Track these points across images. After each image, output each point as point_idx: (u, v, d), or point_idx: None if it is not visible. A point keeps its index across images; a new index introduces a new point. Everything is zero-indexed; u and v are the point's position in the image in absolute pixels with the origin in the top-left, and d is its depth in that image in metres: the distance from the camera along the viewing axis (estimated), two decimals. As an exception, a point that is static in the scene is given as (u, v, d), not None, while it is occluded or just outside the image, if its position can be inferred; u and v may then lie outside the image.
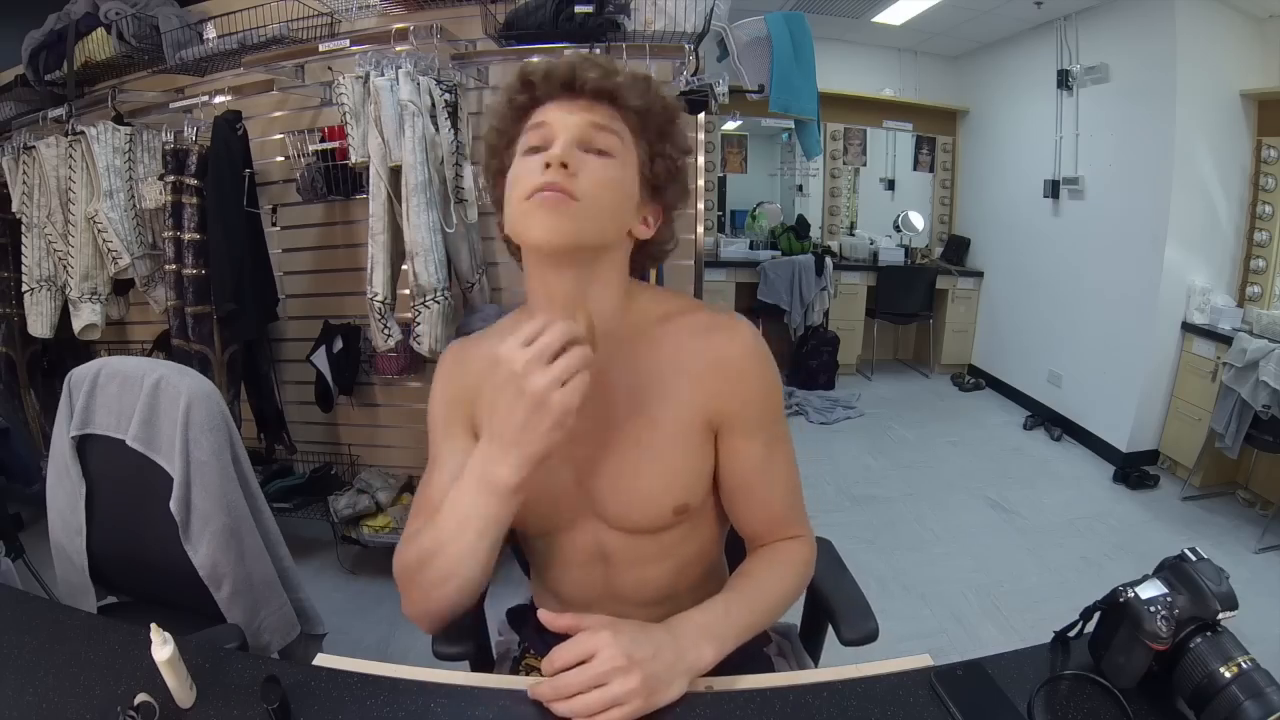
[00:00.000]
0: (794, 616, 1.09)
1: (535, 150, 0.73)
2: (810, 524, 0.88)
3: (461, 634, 0.93)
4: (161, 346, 2.44)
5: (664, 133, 0.77)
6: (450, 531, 0.71)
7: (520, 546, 1.03)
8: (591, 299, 0.74)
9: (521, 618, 1.03)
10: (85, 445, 1.27)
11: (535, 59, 0.78)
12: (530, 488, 0.77)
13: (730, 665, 0.84)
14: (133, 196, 2.18)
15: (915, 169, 5.03)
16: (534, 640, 0.99)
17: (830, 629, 0.98)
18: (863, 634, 0.92)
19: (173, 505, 1.18)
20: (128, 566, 1.30)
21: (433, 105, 1.79)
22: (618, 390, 0.78)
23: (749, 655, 0.94)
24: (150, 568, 1.28)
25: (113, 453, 1.23)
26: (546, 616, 0.70)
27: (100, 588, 1.31)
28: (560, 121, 0.73)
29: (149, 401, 1.20)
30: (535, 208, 0.69)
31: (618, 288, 0.79)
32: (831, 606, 0.97)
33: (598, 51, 0.78)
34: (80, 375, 1.26)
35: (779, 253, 4.55)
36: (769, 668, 0.97)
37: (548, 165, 0.69)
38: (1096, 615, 0.75)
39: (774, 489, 0.83)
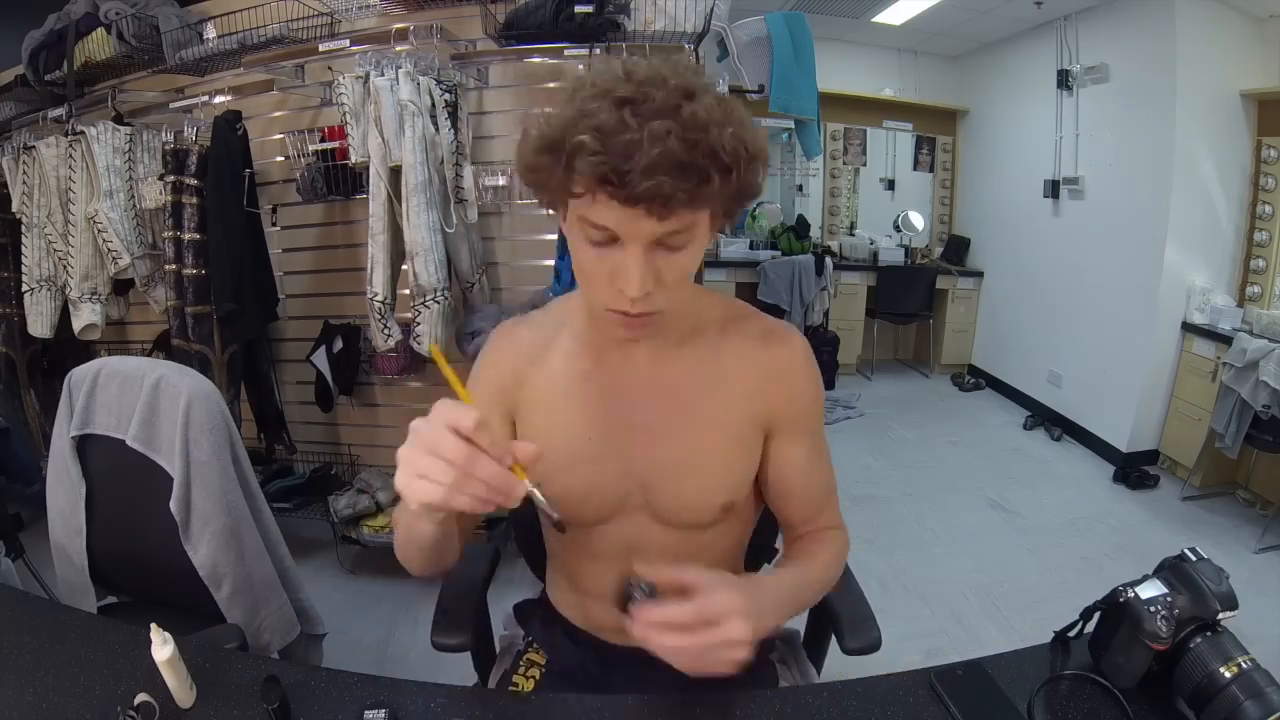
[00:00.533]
0: (798, 623, 1.08)
1: (601, 242, 0.65)
2: (841, 516, 0.92)
3: (461, 626, 0.94)
4: (161, 346, 2.44)
5: (749, 185, 0.67)
6: (405, 530, 0.74)
7: (520, 541, 1.03)
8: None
9: (528, 612, 1.03)
10: (85, 445, 1.27)
11: (571, 114, 0.61)
12: (577, 482, 0.81)
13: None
14: (133, 196, 2.18)
15: (915, 169, 5.03)
16: (539, 635, 0.99)
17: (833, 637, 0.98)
18: (865, 644, 0.92)
19: (173, 505, 1.18)
20: (128, 566, 1.30)
21: (433, 105, 1.79)
22: (679, 388, 0.80)
23: (753, 662, 0.94)
24: (150, 568, 1.28)
25: (113, 453, 1.23)
26: (648, 571, 0.67)
27: (100, 588, 1.31)
28: (630, 231, 0.63)
29: (149, 401, 1.19)
30: (617, 324, 0.70)
31: (684, 296, 0.77)
32: (836, 615, 0.97)
33: (659, 70, 0.63)
34: (80, 375, 1.26)
35: (779, 253, 4.54)
36: (773, 674, 0.97)
37: (621, 289, 0.65)
38: (1096, 615, 0.75)
39: (816, 486, 0.87)
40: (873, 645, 0.92)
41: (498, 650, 1.06)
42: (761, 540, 1.06)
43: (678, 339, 0.80)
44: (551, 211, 0.72)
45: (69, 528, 1.27)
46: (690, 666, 0.63)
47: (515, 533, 1.16)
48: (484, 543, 1.07)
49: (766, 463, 0.84)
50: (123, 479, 1.25)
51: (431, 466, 0.56)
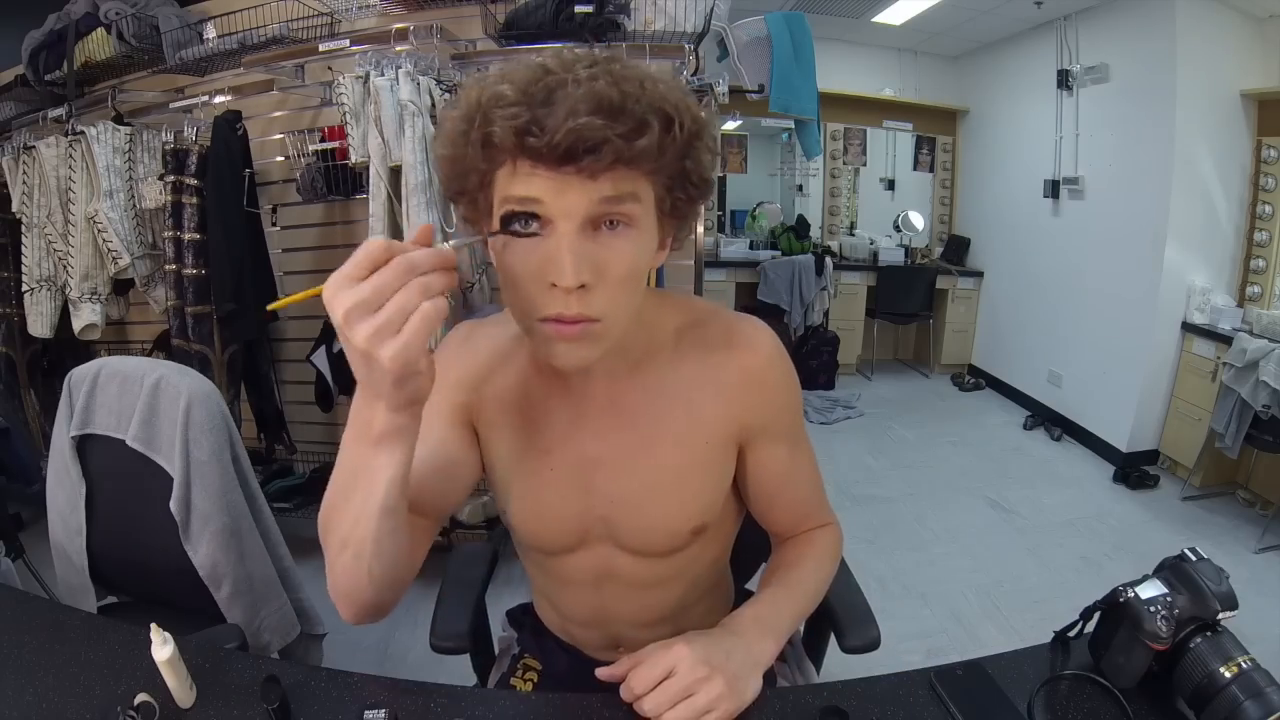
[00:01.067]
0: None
1: (526, 223, 0.57)
2: (832, 509, 0.89)
3: (459, 628, 0.94)
4: (161, 346, 2.44)
5: (690, 160, 0.60)
6: (339, 491, 0.62)
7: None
8: None
9: (520, 619, 1.03)
10: (85, 445, 1.27)
11: (493, 78, 0.56)
12: (536, 514, 0.77)
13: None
14: (133, 196, 2.18)
15: (915, 169, 5.03)
16: (529, 644, 0.98)
17: (832, 635, 0.98)
18: (864, 642, 0.92)
19: (173, 505, 1.18)
20: (128, 566, 1.30)
21: (433, 105, 1.79)
22: (639, 414, 0.74)
23: None
24: (150, 568, 1.28)
25: (113, 453, 1.23)
26: (605, 673, 0.69)
27: (100, 588, 1.31)
28: (559, 202, 0.55)
29: (149, 401, 1.20)
30: (553, 338, 0.60)
31: (634, 308, 0.66)
32: (834, 613, 0.96)
33: (588, 50, 0.58)
34: (80, 375, 1.26)
35: (779, 253, 4.55)
36: (771, 673, 0.97)
37: (553, 285, 0.57)
38: (1096, 615, 0.75)
39: (800, 487, 0.84)
40: (872, 643, 0.92)
41: (496, 651, 1.06)
42: (755, 540, 1.06)
43: (634, 359, 0.73)
44: (477, 226, 0.64)
45: (69, 528, 1.27)
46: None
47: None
48: (483, 542, 1.07)
49: (745, 473, 0.79)
50: (123, 479, 1.25)
51: (390, 311, 0.49)
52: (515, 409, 0.76)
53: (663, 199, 0.61)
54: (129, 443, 1.20)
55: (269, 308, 0.60)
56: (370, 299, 0.49)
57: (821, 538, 0.86)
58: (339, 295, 0.50)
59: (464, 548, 1.10)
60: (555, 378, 0.74)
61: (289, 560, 1.38)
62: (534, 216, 0.56)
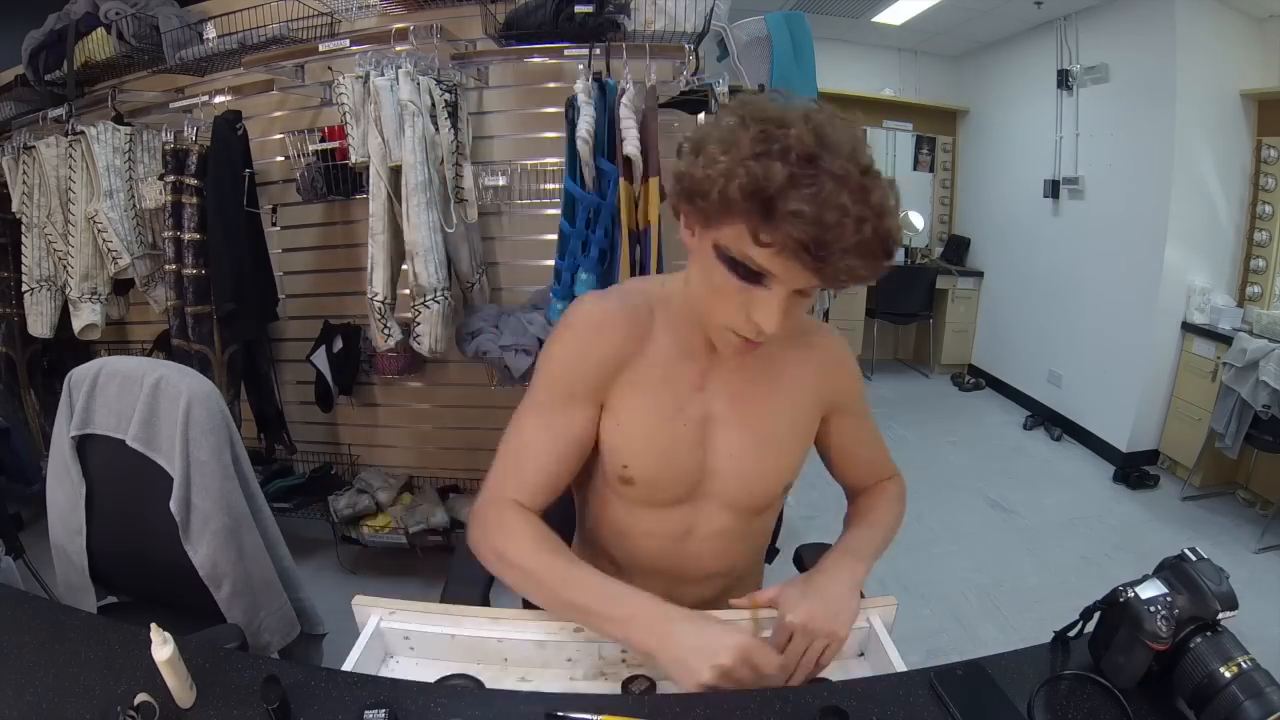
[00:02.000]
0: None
1: (751, 281, 0.70)
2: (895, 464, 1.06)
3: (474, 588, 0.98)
4: (161, 346, 2.44)
5: None
6: (563, 600, 0.77)
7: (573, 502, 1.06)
8: None
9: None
10: (85, 445, 1.26)
11: (781, 173, 0.63)
12: (662, 467, 0.86)
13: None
14: (133, 196, 2.18)
15: (915, 169, 5.02)
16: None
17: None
18: None
19: (173, 505, 1.18)
20: (128, 566, 1.30)
21: (433, 105, 1.79)
22: (750, 385, 0.87)
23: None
24: (150, 567, 1.28)
25: (113, 453, 1.23)
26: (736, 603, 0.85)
27: (100, 588, 1.31)
28: (788, 280, 0.69)
29: (149, 401, 1.19)
30: (727, 344, 0.77)
31: None
32: None
33: (855, 152, 0.67)
34: (80, 375, 1.26)
35: (779, 253, 4.54)
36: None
37: (755, 323, 0.72)
38: (1096, 615, 0.75)
39: (871, 448, 1.02)
40: None
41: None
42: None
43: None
44: (687, 229, 0.75)
45: (69, 527, 1.27)
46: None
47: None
48: None
49: (829, 439, 0.97)
50: (123, 479, 1.24)
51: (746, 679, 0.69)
52: (651, 377, 0.85)
53: None
54: (129, 443, 1.20)
55: None
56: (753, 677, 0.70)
57: (891, 486, 1.02)
58: (763, 659, 0.71)
59: (466, 548, 1.10)
60: (690, 352, 0.86)
61: (289, 560, 1.38)
62: (765, 276, 0.69)
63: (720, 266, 0.70)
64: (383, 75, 1.75)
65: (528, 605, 1.04)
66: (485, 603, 1.03)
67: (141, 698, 0.68)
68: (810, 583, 0.82)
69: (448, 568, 1.07)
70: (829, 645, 0.78)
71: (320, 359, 2.24)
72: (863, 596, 0.89)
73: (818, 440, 0.97)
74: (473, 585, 1.02)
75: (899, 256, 4.67)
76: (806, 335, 0.92)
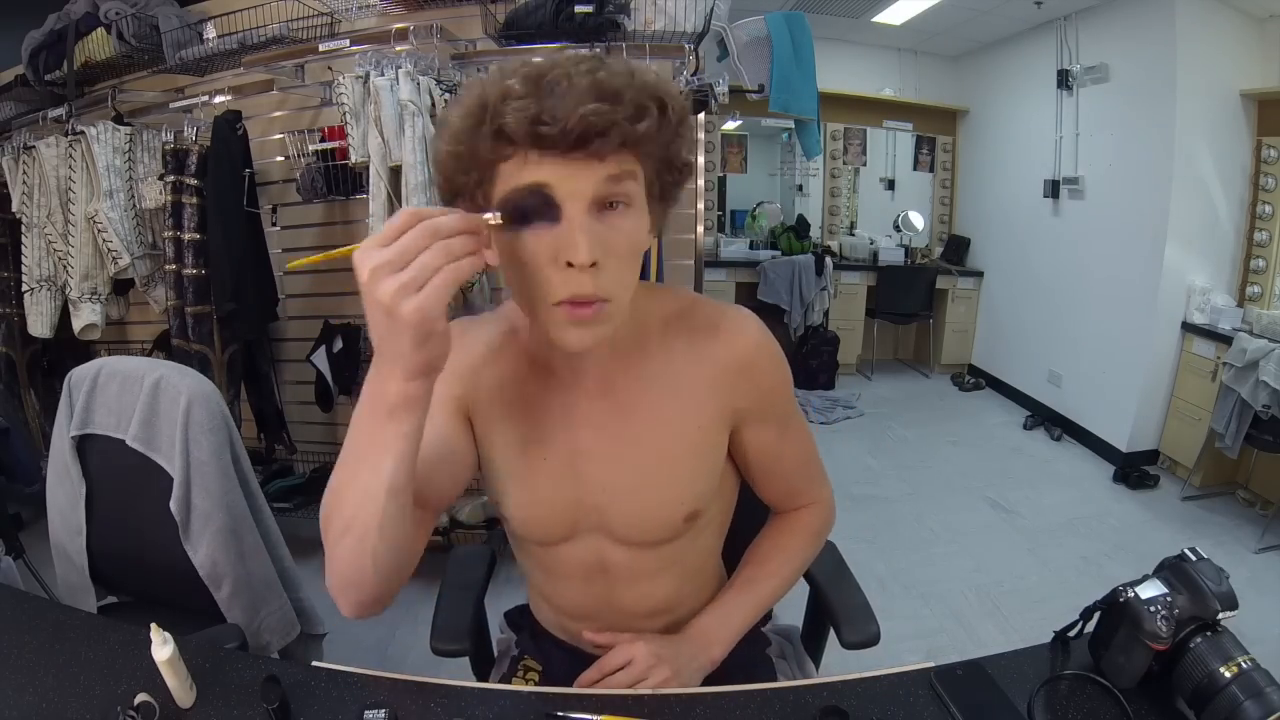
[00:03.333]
0: (796, 618, 1.09)
1: (534, 219, 0.59)
2: (828, 482, 0.93)
3: (459, 631, 0.94)
4: (161, 346, 2.44)
5: (674, 145, 0.64)
6: (346, 471, 0.62)
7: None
8: None
9: (518, 620, 1.03)
10: (85, 445, 1.27)
11: (494, 77, 0.59)
12: (529, 504, 0.78)
13: (733, 667, 0.85)
14: (133, 196, 2.18)
15: (915, 169, 5.03)
16: (529, 645, 0.98)
17: (832, 631, 0.98)
18: (864, 637, 0.93)
19: (173, 505, 1.18)
20: (128, 566, 1.30)
21: (433, 105, 1.79)
22: (631, 405, 0.75)
23: (751, 659, 0.94)
24: (150, 567, 1.28)
25: (113, 453, 1.23)
26: (590, 637, 0.84)
27: (100, 588, 1.31)
28: (569, 185, 0.58)
29: (149, 401, 1.19)
30: (566, 322, 0.62)
31: (631, 289, 0.69)
32: (833, 609, 0.97)
33: (589, 51, 0.64)
34: (80, 375, 1.26)
35: (779, 252, 4.54)
36: (771, 670, 0.97)
37: (569, 264, 0.59)
38: (1096, 615, 0.75)
39: (791, 464, 0.87)
40: (872, 639, 0.92)
41: (495, 654, 1.06)
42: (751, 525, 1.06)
43: (625, 349, 0.75)
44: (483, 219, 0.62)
45: (69, 527, 1.27)
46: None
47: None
48: (481, 544, 1.07)
49: (739, 451, 0.82)
50: (123, 479, 1.25)
51: (413, 270, 0.52)
52: (509, 402, 0.77)
53: (652, 183, 0.64)
54: (129, 443, 1.20)
55: (289, 266, 0.64)
56: (395, 259, 0.53)
57: (806, 520, 0.91)
58: (366, 255, 0.54)
59: (462, 549, 1.10)
60: (547, 371, 0.76)
61: (289, 560, 1.38)
62: (547, 200, 0.59)
63: (517, 238, 0.60)
64: (383, 75, 1.75)
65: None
66: (482, 605, 1.03)
67: (141, 698, 0.68)
68: (670, 640, 0.83)
69: (443, 569, 1.07)
70: (654, 680, 0.77)
71: (320, 359, 2.24)
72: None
73: (732, 452, 0.82)
74: (469, 588, 1.02)
75: (899, 256, 4.68)
76: (711, 329, 0.76)
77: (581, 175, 0.58)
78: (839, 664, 0.99)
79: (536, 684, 0.94)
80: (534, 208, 0.59)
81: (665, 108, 0.60)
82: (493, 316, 0.81)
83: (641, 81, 0.59)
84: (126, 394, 1.22)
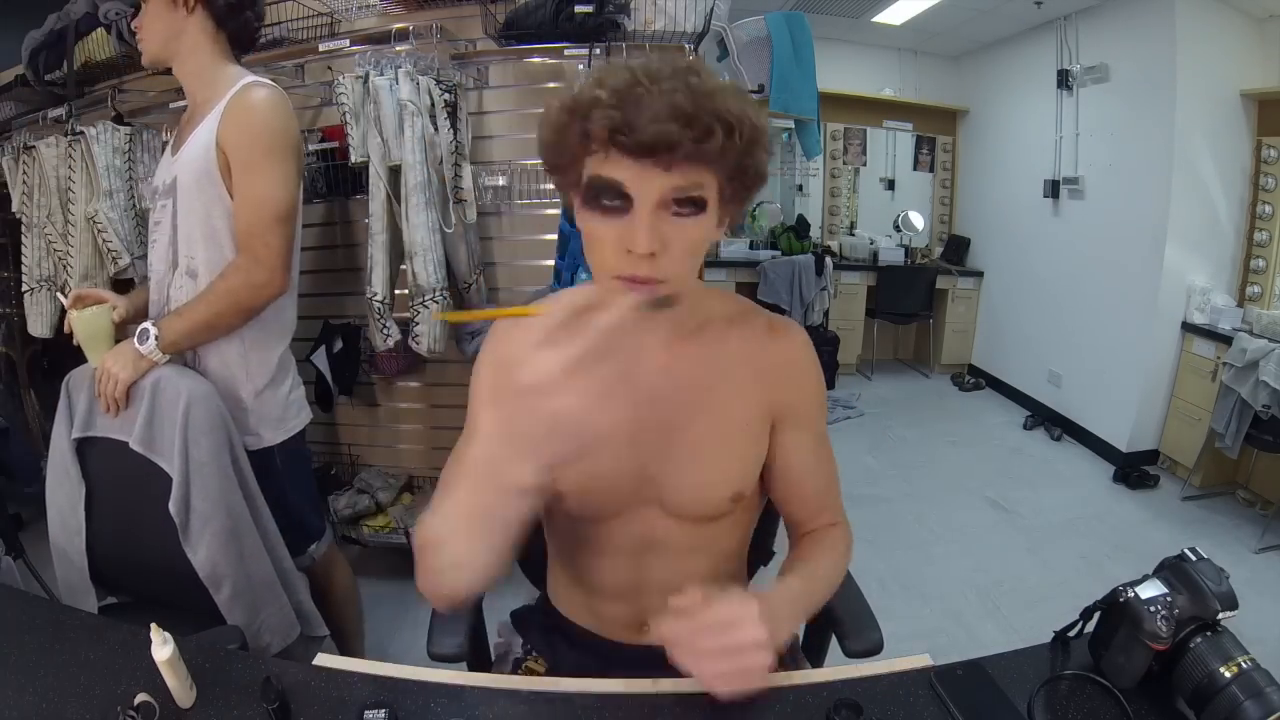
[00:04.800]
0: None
1: (610, 207, 0.67)
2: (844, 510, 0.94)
3: (456, 634, 0.93)
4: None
5: (745, 160, 0.69)
6: (455, 526, 0.66)
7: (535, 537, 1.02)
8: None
9: (525, 619, 1.03)
10: (86, 447, 1.27)
11: (590, 81, 0.67)
12: (589, 475, 0.80)
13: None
14: (133, 196, 2.18)
15: (915, 169, 5.03)
16: (539, 642, 0.98)
17: (834, 639, 0.98)
18: (867, 646, 0.92)
19: (171, 507, 1.18)
20: (128, 567, 1.30)
21: (432, 105, 1.78)
22: (689, 382, 0.82)
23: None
24: (151, 569, 1.28)
25: (114, 454, 1.23)
26: (677, 603, 0.67)
27: (101, 588, 1.30)
28: (639, 186, 0.65)
29: (150, 403, 1.20)
30: (621, 290, 0.67)
31: (693, 280, 0.78)
32: (837, 616, 0.96)
33: (672, 59, 0.69)
34: (79, 377, 1.26)
35: (779, 252, 4.54)
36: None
37: (629, 251, 0.66)
38: (1096, 615, 0.75)
39: (821, 480, 0.90)
40: (875, 647, 0.92)
41: (493, 658, 1.05)
42: (759, 541, 1.06)
43: (687, 332, 0.82)
44: (565, 193, 0.74)
45: (69, 528, 1.27)
46: (719, 680, 0.65)
47: None
48: None
49: (774, 455, 0.87)
50: (123, 480, 1.25)
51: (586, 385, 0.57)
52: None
53: (724, 188, 0.70)
54: (132, 445, 1.20)
55: (437, 316, 0.69)
56: (571, 370, 0.58)
57: (839, 538, 0.91)
58: (543, 360, 0.58)
59: None
60: (612, 347, 0.78)
61: (289, 562, 1.38)
62: (621, 194, 0.66)
63: (592, 216, 0.68)
64: (382, 75, 1.75)
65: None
66: (480, 611, 1.03)
67: (141, 698, 0.68)
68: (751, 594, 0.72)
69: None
70: (747, 638, 0.65)
71: (320, 359, 2.24)
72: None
73: (770, 458, 0.87)
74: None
75: (899, 256, 4.68)
76: (767, 329, 0.86)
77: (651, 179, 0.65)
78: (839, 664, 0.99)
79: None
80: (610, 198, 0.67)
81: (733, 131, 0.65)
82: (543, 304, 0.83)
83: (716, 106, 0.64)
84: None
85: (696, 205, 0.67)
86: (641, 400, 0.81)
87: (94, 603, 1.29)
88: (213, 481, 1.20)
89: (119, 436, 1.22)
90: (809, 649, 1.07)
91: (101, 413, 1.23)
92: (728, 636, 0.65)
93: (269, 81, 1.38)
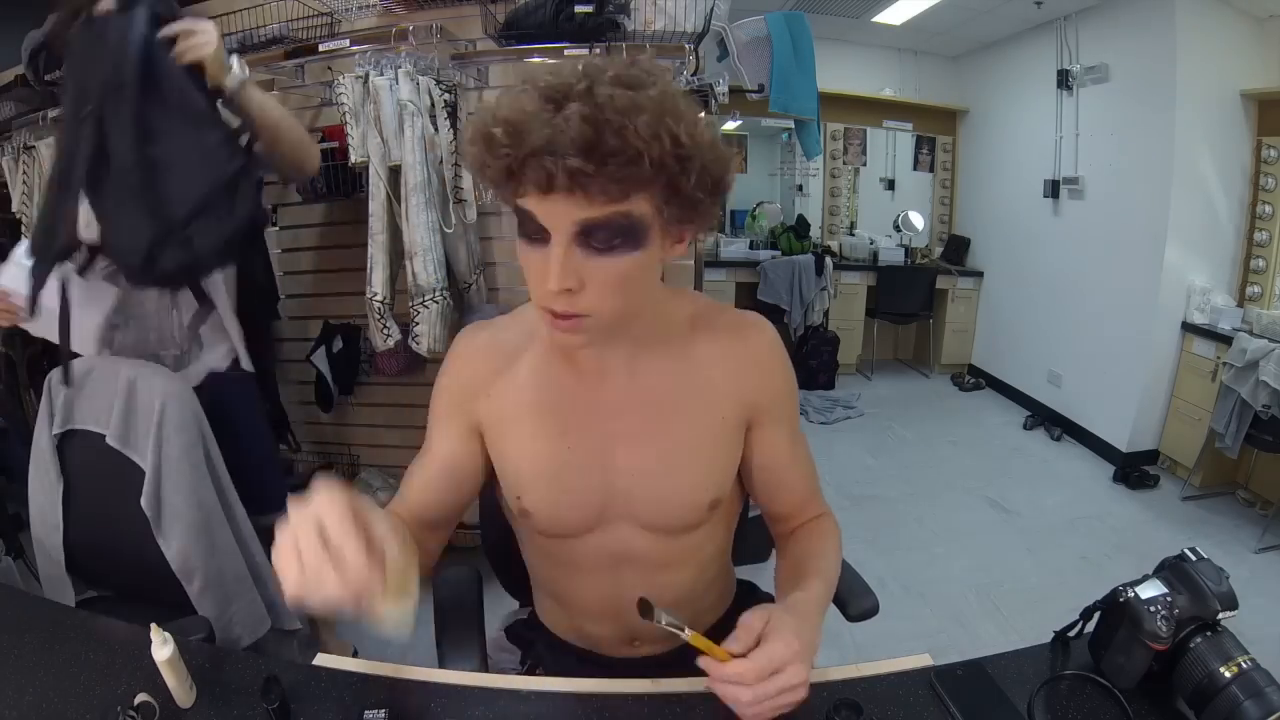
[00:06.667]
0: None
1: (535, 238, 0.63)
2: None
3: (470, 660, 0.91)
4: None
5: (683, 180, 0.61)
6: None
7: (494, 562, 1.01)
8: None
9: (523, 634, 1.01)
10: (66, 441, 1.29)
11: (489, 111, 0.61)
12: (555, 493, 0.79)
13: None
14: (133, 196, 2.18)
15: (915, 169, 5.03)
16: (544, 657, 0.97)
17: (830, 637, 0.98)
18: (865, 609, 0.96)
19: (143, 501, 1.20)
20: (105, 561, 1.32)
21: (432, 105, 1.79)
22: (657, 391, 0.79)
23: None
24: (127, 562, 1.29)
25: (93, 449, 1.25)
26: (718, 660, 0.65)
27: (80, 581, 1.32)
28: (551, 220, 0.61)
29: (125, 400, 1.22)
30: (549, 326, 0.67)
31: (651, 304, 0.77)
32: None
33: (590, 61, 0.61)
34: (59, 374, 1.28)
35: (779, 252, 4.54)
36: None
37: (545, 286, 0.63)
38: (1096, 615, 0.75)
39: (801, 473, 0.89)
40: (872, 609, 0.96)
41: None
42: (757, 539, 1.06)
43: (650, 342, 0.79)
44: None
45: (47, 523, 1.29)
46: (755, 716, 0.63)
47: (488, 553, 1.13)
48: (464, 566, 1.03)
49: (751, 455, 0.85)
50: (101, 474, 1.27)
51: (287, 561, 0.53)
52: (531, 399, 0.80)
53: (662, 208, 0.64)
54: (108, 439, 1.23)
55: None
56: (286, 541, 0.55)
57: (829, 528, 0.89)
58: (291, 515, 0.55)
59: (447, 575, 1.03)
60: (572, 364, 0.79)
61: (261, 556, 1.38)
62: (539, 227, 0.63)
63: (522, 245, 0.66)
64: (382, 75, 1.75)
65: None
66: (479, 606, 1.02)
67: (141, 698, 0.68)
68: (805, 622, 0.69)
69: (441, 569, 1.05)
70: (790, 682, 0.63)
71: (320, 359, 2.24)
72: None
73: (747, 460, 0.85)
74: (467, 613, 0.99)
75: (899, 256, 4.68)
76: (733, 329, 0.82)
77: (562, 213, 0.60)
78: (839, 662, 0.99)
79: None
80: (532, 229, 0.64)
81: (651, 154, 0.57)
82: (508, 320, 0.85)
83: (629, 127, 0.56)
84: (104, 392, 1.24)
85: (626, 234, 0.62)
86: (608, 417, 0.79)
87: (72, 595, 1.30)
88: (184, 477, 1.22)
89: (98, 429, 1.25)
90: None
91: (81, 405, 1.26)
92: (772, 683, 0.62)
93: None
